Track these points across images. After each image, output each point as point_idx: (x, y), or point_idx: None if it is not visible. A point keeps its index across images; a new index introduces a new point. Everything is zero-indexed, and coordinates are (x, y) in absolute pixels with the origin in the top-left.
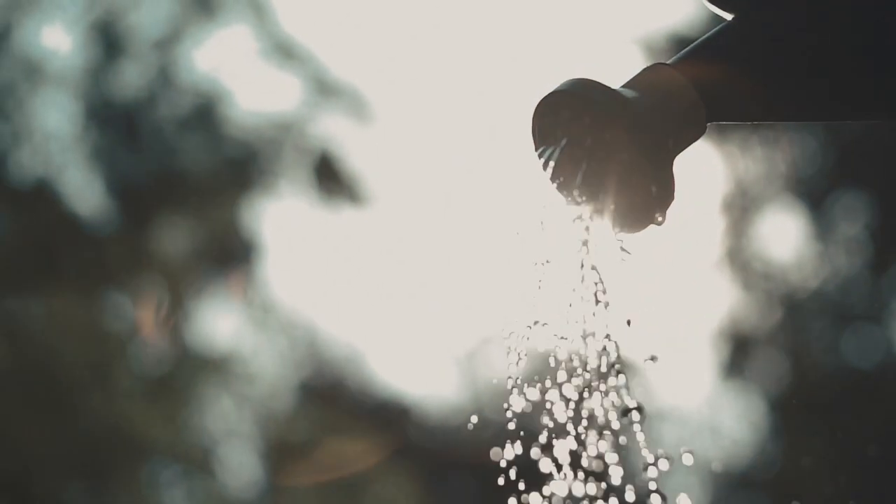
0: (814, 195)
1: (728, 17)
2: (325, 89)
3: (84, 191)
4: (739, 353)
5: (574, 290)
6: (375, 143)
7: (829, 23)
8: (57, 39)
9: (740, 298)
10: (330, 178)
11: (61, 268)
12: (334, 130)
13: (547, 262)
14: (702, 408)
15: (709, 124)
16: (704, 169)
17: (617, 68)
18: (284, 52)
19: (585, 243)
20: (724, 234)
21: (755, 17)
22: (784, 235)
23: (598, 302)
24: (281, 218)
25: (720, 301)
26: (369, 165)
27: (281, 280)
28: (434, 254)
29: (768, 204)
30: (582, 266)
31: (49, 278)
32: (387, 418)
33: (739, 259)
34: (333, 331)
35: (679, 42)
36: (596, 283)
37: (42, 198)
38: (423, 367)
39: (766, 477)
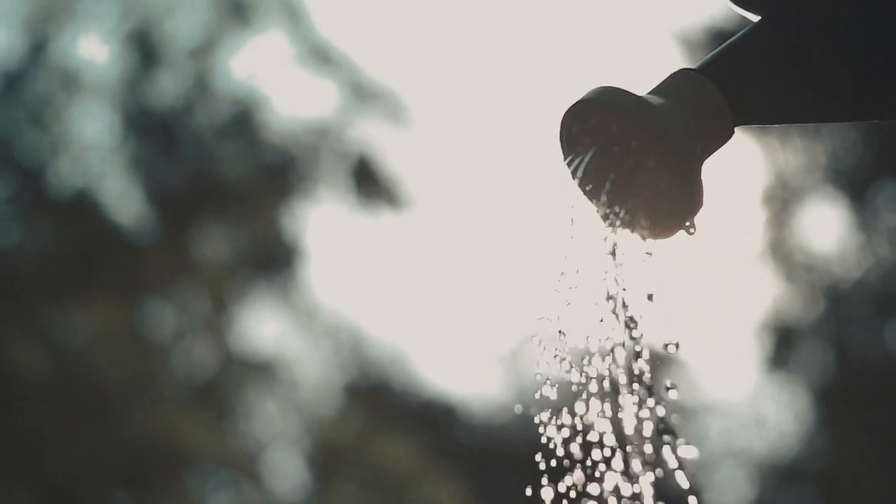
0: (855, 186)
1: (754, 18)
2: (361, 93)
3: (124, 200)
4: (784, 344)
5: (610, 297)
6: (413, 145)
7: (856, 22)
8: (93, 50)
9: (783, 290)
10: (368, 181)
11: (103, 277)
12: (372, 134)
13: (577, 271)
14: (747, 400)
15: (736, 128)
16: (745, 162)
17: (655, 63)
18: (320, 57)
19: (614, 250)
20: (766, 226)
21: (781, 19)
22: (826, 227)
23: (626, 309)
24: (321, 222)
25: (763, 293)
26: (407, 168)
27: (323, 284)
28: (474, 253)
29: (809, 195)
30: (610, 274)
31: (91, 288)
32: (432, 418)
33: (782, 251)
34: (377, 333)
35: (717, 36)
36: (624, 290)
37: (82, 208)
38: (467, 365)
39: (813, 468)
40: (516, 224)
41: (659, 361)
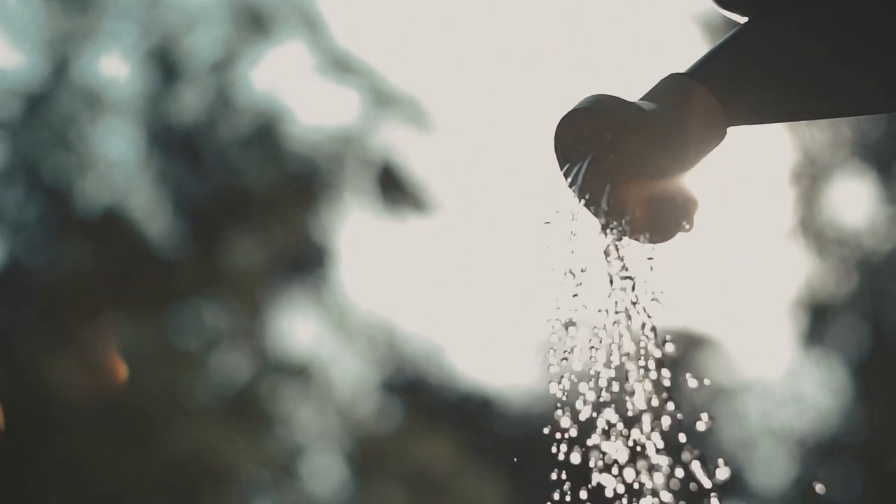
0: (882, 158)
1: (742, 20)
2: (383, 100)
3: (152, 215)
4: (818, 321)
5: (618, 296)
6: (436, 149)
7: (843, 20)
8: (115, 68)
9: (816, 266)
10: (394, 187)
11: (135, 292)
12: (395, 140)
13: (583, 270)
14: (784, 378)
15: (730, 129)
16: (771, 140)
17: (675, 50)
18: (341, 65)
19: (616, 254)
20: (796, 203)
21: (768, 20)
22: (855, 201)
23: (635, 306)
24: (348, 229)
25: (796, 271)
26: (432, 172)
27: (354, 287)
28: (502, 249)
29: (837, 171)
30: (614, 278)
31: (124, 303)
32: (470, 411)
33: (812, 227)
34: (410, 330)
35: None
36: (630, 290)
37: (111, 225)
38: (503, 357)
39: (854, 442)
40: (541, 220)
41: (689, 345)
